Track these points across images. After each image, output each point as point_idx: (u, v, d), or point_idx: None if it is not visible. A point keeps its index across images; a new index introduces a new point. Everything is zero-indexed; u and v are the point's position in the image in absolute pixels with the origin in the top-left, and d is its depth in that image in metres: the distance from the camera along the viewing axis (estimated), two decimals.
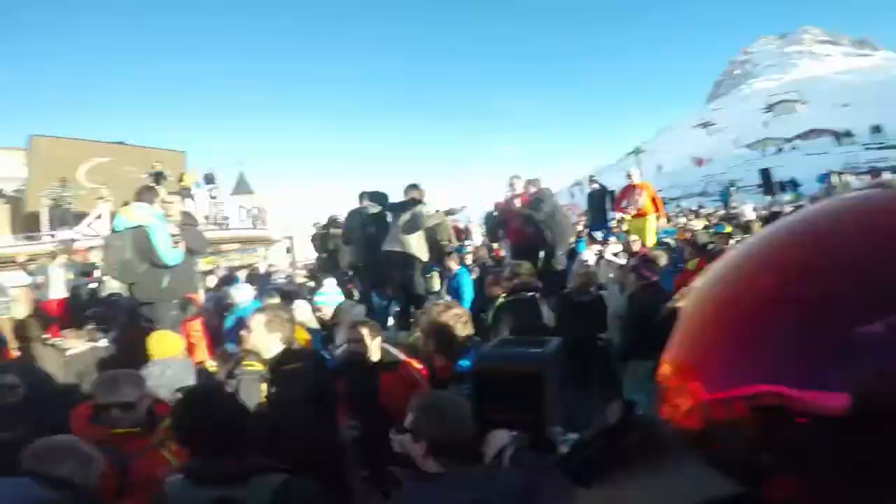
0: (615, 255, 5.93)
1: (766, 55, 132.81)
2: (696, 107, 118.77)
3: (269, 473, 1.44)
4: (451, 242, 6.29)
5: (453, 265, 5.94)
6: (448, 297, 5.81)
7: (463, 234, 11.87)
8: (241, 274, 9.20)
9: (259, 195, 17.32)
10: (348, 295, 5.83)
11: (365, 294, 5.92)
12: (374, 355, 2.56)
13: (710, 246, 5.66)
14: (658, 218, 7.71)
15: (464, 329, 2.12)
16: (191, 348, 4.15)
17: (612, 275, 5.20)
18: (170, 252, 3.96)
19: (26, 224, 12.00)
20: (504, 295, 4.12)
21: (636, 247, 6.30)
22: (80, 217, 11.35)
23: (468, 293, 5.56)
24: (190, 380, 2.87)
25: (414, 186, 5.30)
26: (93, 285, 6.61)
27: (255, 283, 7.11)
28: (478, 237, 11.48)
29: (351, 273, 6.98)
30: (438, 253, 5.70)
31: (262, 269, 11.30)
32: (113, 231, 4.22)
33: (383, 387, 2.41)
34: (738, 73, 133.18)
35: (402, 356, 2.63)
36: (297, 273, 11.21)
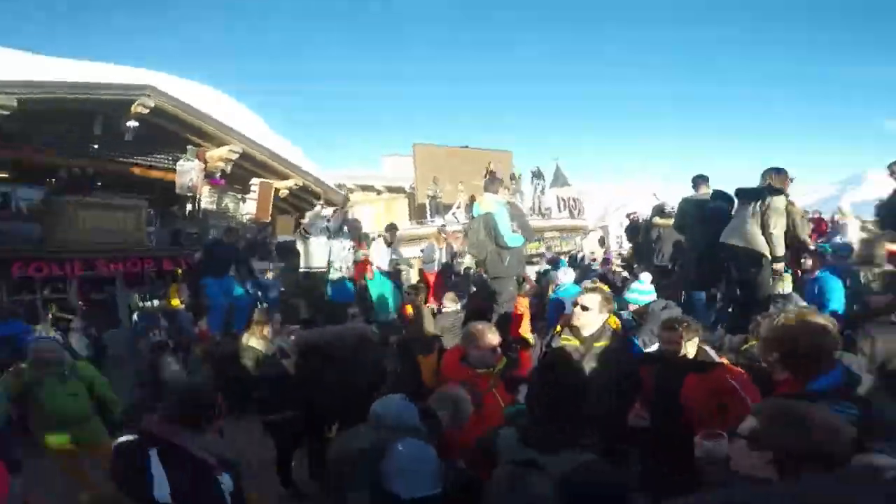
0: None
1: None
2: None
3: (579, 449, 1.52)
4: (808, 240, 5.05)
5: (814, 266, 4.78)
6: (804, 303, 4.73)
7: (828, 227, 9.26)
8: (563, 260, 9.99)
9: (574, 187, 18.07)
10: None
11: (689, 290, 5.44)
12: (689, 354, 2.44)
13: None
14: None
15: (823, 342, 1.68)
16: (519, 319, 4.93)
17: None
18: (511, 236, 4.72)
19: (418, 212, 16.57)
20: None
21: None
22: (447, 208, 14.82)
23: (835, 301, 4.35)
24: None
25: (775, 171, 4.45)
26: (459, 261, 8.63)
27: (575, 269, 7.61)
28: (854, 232, 8.66)
29: (672, 266, 6.55)
30: (794, 252, 4.70)
31: (579, 257, 11.93)
32: (472, 217, 5.38)
33: (686, 387, 2.24)
34: None
35: (719, 360, 2.42)
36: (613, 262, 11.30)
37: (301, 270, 5.98)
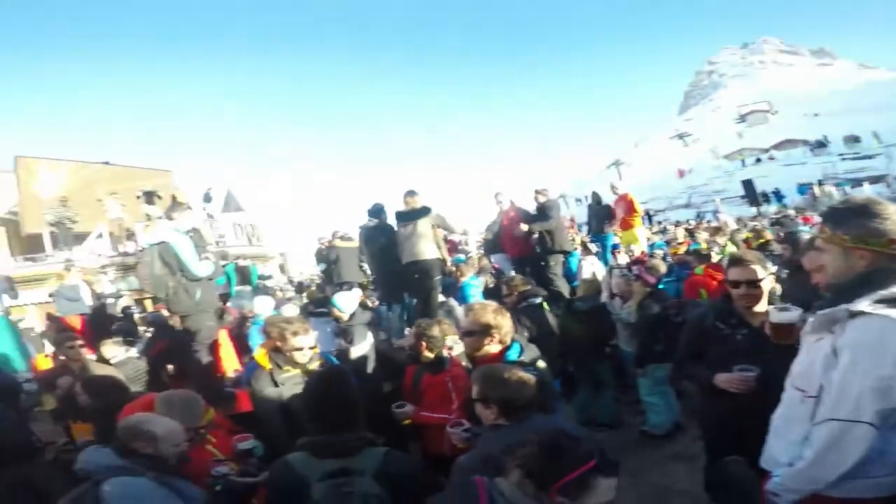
0: (621, 266, 6.31)
1: (731, 65, 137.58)
2: (670, 118, 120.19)
3: (373, 447, 1.68)
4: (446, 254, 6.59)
5: (467, 273, 6.26)
6: (455, 303, 6.11)
7: (457, 245, 12.16)
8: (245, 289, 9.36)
9: (249, 213, 17.40)
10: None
11: (383, 302, 6.09)
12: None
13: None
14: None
15: (507, 320, 2.34)
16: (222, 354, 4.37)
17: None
18: (199, 265, 4.14)
19: (28, 244, 11.99)
20: (515, 301, 4.43)
21: (637, 254, 6.71)
22: (80, 237, 11.40)
23: (475, 300, 5.85)
24: None
25: (411, 193, 5.44)
26: (110, 301, 6.74)
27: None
28: (473, 246, 11.80)
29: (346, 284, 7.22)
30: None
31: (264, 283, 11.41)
32: (142, 248, 4.39)
33: (424, 382, 2.86)
34: (706, 84, 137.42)
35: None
36: (286, 288, 11.39)
37: None
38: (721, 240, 7.84)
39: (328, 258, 7.91)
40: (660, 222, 22.24)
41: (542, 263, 6.34)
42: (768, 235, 6.99)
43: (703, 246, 7.01)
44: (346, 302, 4.61)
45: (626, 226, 8.11)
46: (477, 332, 2.28)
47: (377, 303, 6.34)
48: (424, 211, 5.28)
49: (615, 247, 8.01)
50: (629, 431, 4.10)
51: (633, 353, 4.17)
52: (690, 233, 11.05)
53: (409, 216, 5.28)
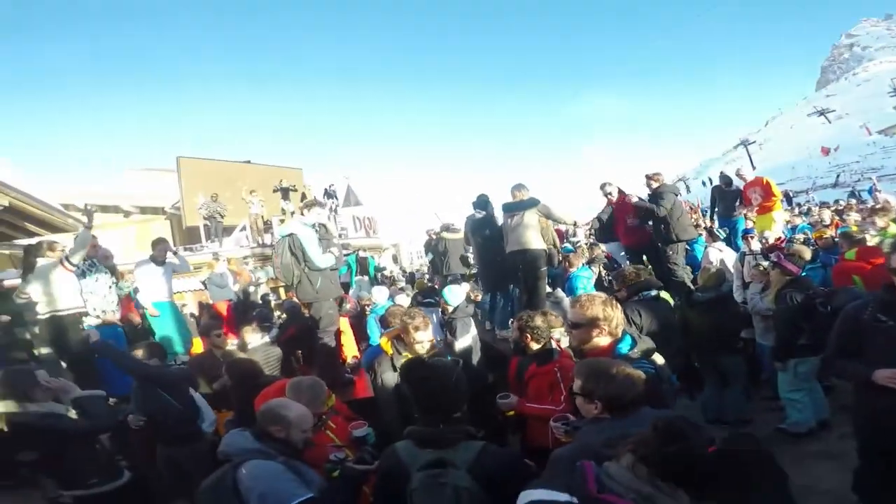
0: (754, 252, 5.59)
1: (875, 37, 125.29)
2: (806, 94, 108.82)
3: (473, 440, 1.70)
4: (555, 245, 6.37)
5: (576, 262, 6.02)
6: (562, 295, 5.92)
7: (565, 234, 11.75)
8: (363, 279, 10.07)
9: (366, 206, 18.55)
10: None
11: (490, 293, 6.12)
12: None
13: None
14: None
15: (618, 311, 2.23)
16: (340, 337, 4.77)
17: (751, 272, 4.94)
18: (320, 257, 4.53)
19: (188, 236, 14.23)
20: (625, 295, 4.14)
21: (772, 241, 5.91)
22: (228, 230, 13.21)
23: (583, 291, 5.60)
24: None
25: (519, 186, 5.39)
26: (251, 289, 7.73)
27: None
28: (581, 235, 11.30)
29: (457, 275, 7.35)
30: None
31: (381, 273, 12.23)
32: (276, 240, 4.92)
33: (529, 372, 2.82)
34: (847, 58, 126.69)
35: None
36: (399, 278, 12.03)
37: (42, 315, 4.34)
38: (881, 221, 6.52)
39: (436, 249, 8.17)
40: (799, 204, 19.59)
41: (662, 252, 5.84)
42: None
43: (854, 228, 5.90)
44: (454, 295, 4.72)
45: (764, 210, 7.15)
46: (584, 324, 2.20)
47: (480, 295, 6.37)
48: (531, 202, 5.20)
49: (747, 231, 7.16)
50: (761, 429, 3.80)
51: (769, 347, 3.84)
52: (839, 214, 9.34)
53: (516, 207, 5.24)
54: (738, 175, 7.52)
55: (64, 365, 4.50)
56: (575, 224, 6.48)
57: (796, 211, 14.14)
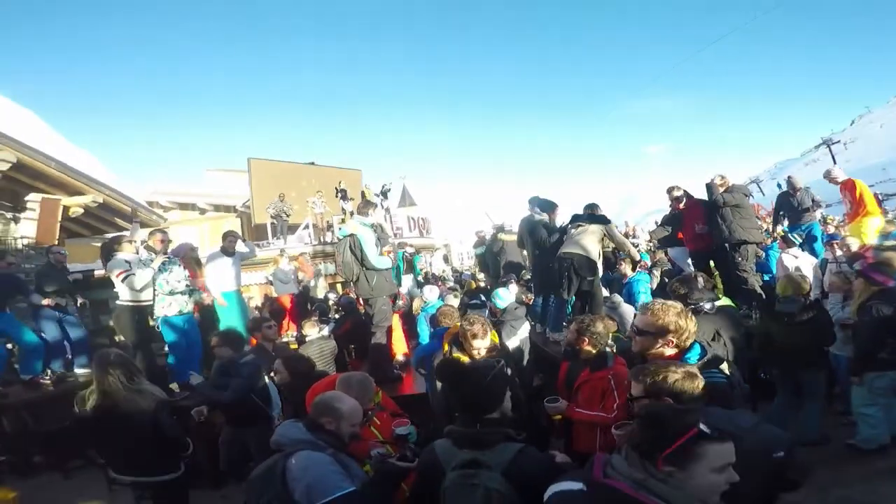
0: (838, 260, 5.16)
1: None
2: None
3: (511, 442, 1.68)
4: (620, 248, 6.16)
5: (628, 270, 5.81)
6: (619, 299, 5.72)
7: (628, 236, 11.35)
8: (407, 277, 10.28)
9: (421, 206, 18.81)
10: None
11: (539, 294, 6.04)
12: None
13: None
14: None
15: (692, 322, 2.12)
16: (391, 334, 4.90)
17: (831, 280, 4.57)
18: (377, 258, 4.72)
19: (256, 233, 15.11)
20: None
21: (854, 248, 5.38)
22: (292, 228, 13.90)
23: (647, 298, 5.37)
24: None
25: (593, 206, 5.44)
26: (311, 284, 8.11)
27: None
28: (642, 241, 10.87)
29: (516, 276, 7.28)
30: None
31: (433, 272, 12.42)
32: (338, 239, 5.16)
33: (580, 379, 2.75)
34: None
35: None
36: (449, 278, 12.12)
37: (123, 303, 4.80)
38: None
39: (491, 250, 8.16)
40: (887, 210, 17.55)
41: (731, 258, 5.48)
42: None
43: None
44: (504, 297, 4.70)
45: (854, 216, 6.51)
46: (653, 333, 2.08)
47: (532, 297, 6.28)
48: (602, 218, 5.16)
49: (832, 238, 6.56)
50: (831, 444, 3.64)
51: (846, 358, 3.70)
52: None
53: (585, 219, 5.19)
54: (828, 177, 6.88)
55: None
56: (636, 243, 6.30)
57: (890, 216, 12.73)
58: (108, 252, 5.16)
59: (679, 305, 2.17)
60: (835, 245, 5.95)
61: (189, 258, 5.98)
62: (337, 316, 5.89)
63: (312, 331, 4.82)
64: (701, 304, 3.51)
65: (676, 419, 1.25)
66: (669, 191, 6.20)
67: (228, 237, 5.83)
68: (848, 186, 6.52)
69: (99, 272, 6.88)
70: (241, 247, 5.90)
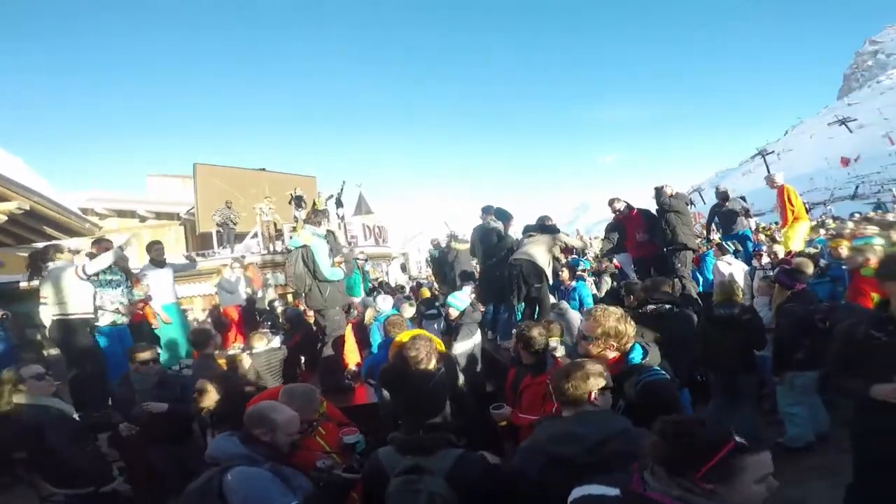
0: (763, 267, 5.59)
1: None
2: (828, 103, 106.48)
3: (452, 448, 1.72)
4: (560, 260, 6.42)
5: (566, 277, 6.05)
6: (566, 305, 5.90)
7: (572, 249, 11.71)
8: None
9: (377, 215, 18.64)
10: None
11: (488, 303, 6.13)
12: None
13: None
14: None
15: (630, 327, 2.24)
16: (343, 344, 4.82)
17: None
18: (330, 270, 4.63)
19: (201, 242, 14.45)
20: (637, 307, 4.10)
21: (780, 255, 5.87)
22: (240, 237, 13.38)
23: (588, 301, 5.60)
24: None
25: (547, 218, 5.55)
26: (259, 295, 7.82)
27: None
28: (595, 248, 11.29)
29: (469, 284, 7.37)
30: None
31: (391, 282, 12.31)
32: (289, 249, 5.01)
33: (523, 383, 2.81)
34: (871, 65, 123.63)
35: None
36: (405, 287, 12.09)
37: (56, 317, 4.44)
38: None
39: (445, 259, 8.21)
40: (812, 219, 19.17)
41: (671, 264, 5.81)
42: None
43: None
44: (460, 300, 4.76)
45: (786, 222, 7.07)
46: (596, 337, 2.17)
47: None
48: (551, 229, 5.30)
49: (757, 247, 7.10)
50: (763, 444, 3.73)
51: (770, 358, 3.88)
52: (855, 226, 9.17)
53: (535, 230, 5.33)
54: (768, 181, 7.42)
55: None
56: (587, 245, 6.57)
57: (814, 223, 13.91)
58: (36, 262, 4.78)
59: (619, 311, 2.27)
60: (763, 253, 6.46)
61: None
62: (287, 327, 5.73)
63: (260, 343, 4.69)
64: (647, 306, 3.74)
65: (709, 433, 1.15)
66: (611, 202, 6.53)
67: (155, 247, 5.67)
68: (780, 192, 7.09)
69: (23, 284, 6.35)
70: (173, 259, 5.72)
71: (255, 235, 13.10)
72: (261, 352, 4.57)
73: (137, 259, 6.22)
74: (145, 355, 3.67)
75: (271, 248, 12.73)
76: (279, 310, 7.53)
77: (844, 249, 5.57)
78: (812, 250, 6.96)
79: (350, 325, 5.35)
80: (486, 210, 6.38)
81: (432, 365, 2.77)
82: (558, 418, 1.71)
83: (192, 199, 15.47)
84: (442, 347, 3.08)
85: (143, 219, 16.69)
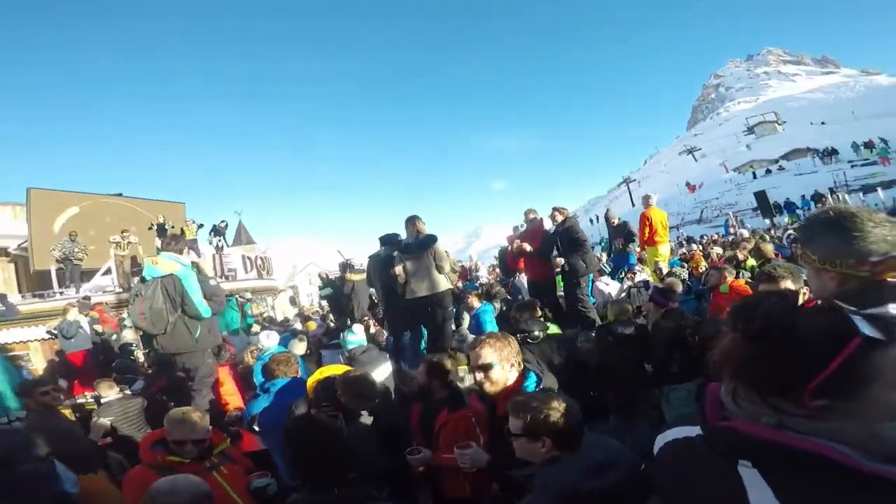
0: (637, 285, 6.03)
1: (737, 78, 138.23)
2: (680, 133, 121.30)
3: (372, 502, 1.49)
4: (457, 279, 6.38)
5: (475, 302, 6.00)
6: (466, 332, 5.84)
7: (468, 271, 11.97)
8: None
9: (260, 245, 17.29)
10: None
11: (395, 335, 5.80)
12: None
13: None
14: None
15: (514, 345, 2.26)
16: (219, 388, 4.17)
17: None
18: (203, 304, 3.95)
19: (37, 281, 11.94)
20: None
21: (646, 277, 6.44)
22: (88, 274, 11.31)
23: (491, 328, 5.56)
24: None
25: (413, 219, 5.20)
26: (112, 338, 6.58)
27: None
28: (483, 273, 11.57)
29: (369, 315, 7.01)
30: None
31: (277, 317, 11.25)
32: (142, 280, 4.14)
33: (439, 421, 2.56)
34: (714, 98, 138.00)
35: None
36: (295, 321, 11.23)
37: None
38: (741, 254, 7.57)
39: (342, 291, 7.74)
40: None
41: (573, 286, 5.95)
42: (769, 251, 6.33)
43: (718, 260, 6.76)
44: (353, 337, 4.42)
45: (650, 243, 7.88)
46: (494, 364, 2.14)
47: (386, 335, 6.08)
48: (431, 239, 5.04)
49: (630, 267, 7.76)
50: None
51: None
52: (704, 248, 10.74)
53: (414, 248, 5.02)
54: (644, 201, 8.22)
55: None
56: (476, 267, 6.58)
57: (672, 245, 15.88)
58: None
59: (497, 333, 2.34)
60: (631, 274, 7.11)
61: None
62: (150, 372, 4.83)
63: (110, 392, 3.92)
64: (533, 332, 3.77)
65: (826, 322, 0.73)
66: (527, 213, 6.65)
67: None
68: (641, 217, 7.94)
69: None
70: None
71: (109, 272, 11.19)
72: (112, 401, 3.82)
73: None
74: None
75: (128, 285, 10.96)
76: (139, 353, 6.40)
77: (702, 269, 6.41)
78: (677, 269, 7.89)
79: (226, 368, 4.65)
80: (385, 240, 5.99)
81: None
82: (563, 460, 1.54)
83: (25, 230, 12.89)
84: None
85: None
